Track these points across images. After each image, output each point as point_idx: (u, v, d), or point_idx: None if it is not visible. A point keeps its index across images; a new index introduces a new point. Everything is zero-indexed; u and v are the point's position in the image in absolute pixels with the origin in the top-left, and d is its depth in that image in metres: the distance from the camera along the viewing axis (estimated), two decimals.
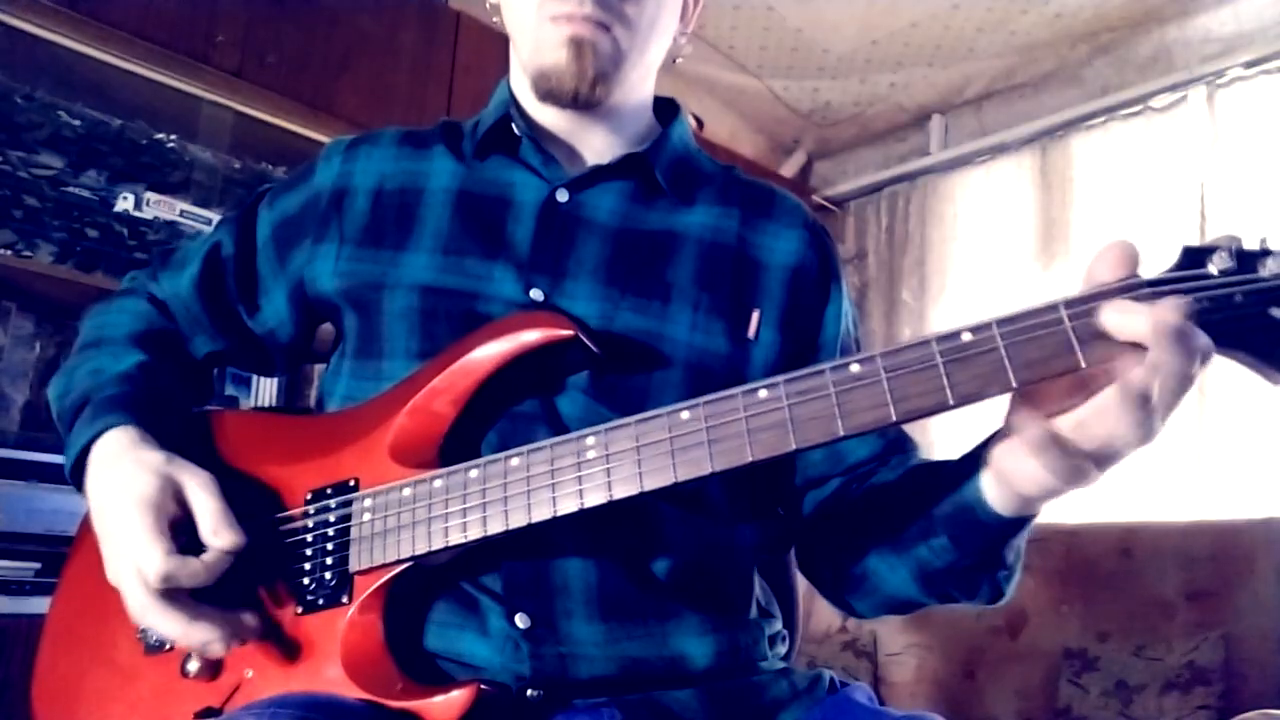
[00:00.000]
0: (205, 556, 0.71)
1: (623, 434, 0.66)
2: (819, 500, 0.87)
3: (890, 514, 0.77)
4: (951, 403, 0.58)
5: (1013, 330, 0.58)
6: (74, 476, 0.80)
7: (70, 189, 2.11)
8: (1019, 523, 0.68)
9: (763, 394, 0.63)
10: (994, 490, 0.66)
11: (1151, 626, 2.25)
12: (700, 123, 3.23)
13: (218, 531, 0.72)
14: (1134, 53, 3.08)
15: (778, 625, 0.88)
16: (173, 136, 2.30)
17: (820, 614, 2.78)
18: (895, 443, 0.86)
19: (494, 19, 0.95)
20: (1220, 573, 2.22)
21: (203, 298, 0.92)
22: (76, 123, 2.14)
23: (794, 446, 0.62)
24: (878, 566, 0.79)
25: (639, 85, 0.92)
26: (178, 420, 0.83)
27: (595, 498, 0.66)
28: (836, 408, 0.61)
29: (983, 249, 3.39)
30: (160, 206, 2.20)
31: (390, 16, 2.52)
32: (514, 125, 0.88)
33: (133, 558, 0.71)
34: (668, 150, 0.90)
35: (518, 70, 0.92)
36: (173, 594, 0.70)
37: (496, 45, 2.62)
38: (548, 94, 0.86)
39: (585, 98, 0.85)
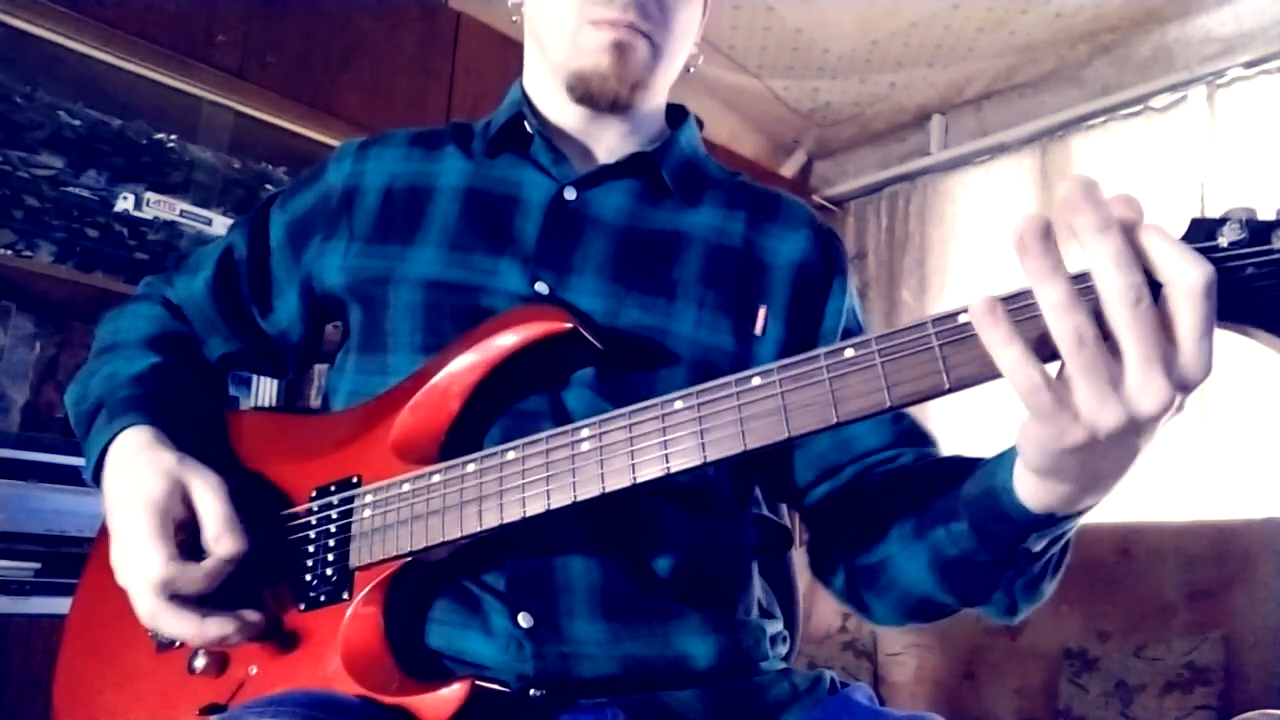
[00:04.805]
0: (205, 563, 0.72)
1: (616, 425, 0.65)
2: (832, 490, 0.84)
3: (913, 496, 0.74)
4: (947, 386, 0.56)
5: (1016, 309, 0.55)
6: (94, 479, 0.81)
7: (70, 189, 2.11)
8: (1044, 520, 0.62)
9: (756, 381, 0.61)
10: (1024, 479, 0.61)
11: (1151, 626, 2.25)
12: (700, 123, 3.23)
13: (219, 538, 0.72)
14: (1134, 53, 3.08)
15: (778, 625, 0.87)
16: (173, 136, 2.30)
17: (820, 614, 2.78)
18: (911, 435, 0.84)
19: (514, 19, 0.95)
20: (1220, 573, 2.22)
21: (217, 300, 0.93)
22: (76, 123, 2.14)
23: (788, 434, 0.59)
24: (895, 553, 0.74)
25: (662, 90, 0.94)
26: (191, 421, 0.83)
27: (589, 490, 0.65)
28: (831, 393, 0.58)
29: (983, 249, 3.39)
30: (160, 206, 2.20)
31: (390, 16, 2.52)
32: (526, 124, 0.89)
33: (137, 562, 0.71)
34: (675, 152, 0.91)
35: (537, 70, 0.93)
36: (180, 597, 0.70)
37: (496, 45, 2.65)
38: (585, 96, 0.87)
39: (624, 101, 0.87)
